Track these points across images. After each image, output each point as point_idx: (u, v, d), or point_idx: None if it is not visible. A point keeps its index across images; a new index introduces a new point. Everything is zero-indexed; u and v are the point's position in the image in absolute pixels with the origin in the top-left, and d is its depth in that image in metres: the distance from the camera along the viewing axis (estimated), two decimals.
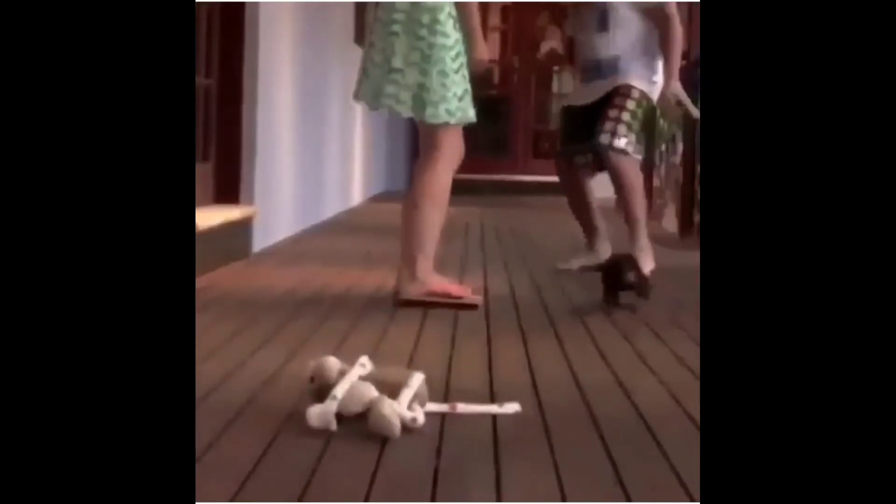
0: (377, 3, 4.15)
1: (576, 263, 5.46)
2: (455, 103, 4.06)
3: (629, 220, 5.37)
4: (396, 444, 2.20)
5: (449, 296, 4.10)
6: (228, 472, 1.98)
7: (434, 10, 4.04)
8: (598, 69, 5.37)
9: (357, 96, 4.23)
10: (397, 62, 4.03)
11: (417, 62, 4.02)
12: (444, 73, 4.03)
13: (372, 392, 2.33)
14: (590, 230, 5.60)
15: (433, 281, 4.13)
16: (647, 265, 5.07)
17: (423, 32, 4.03)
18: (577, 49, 5.59)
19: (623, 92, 5.28)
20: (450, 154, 4.20)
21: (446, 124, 4.09)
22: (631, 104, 5.28)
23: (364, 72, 4.15)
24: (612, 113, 5.25)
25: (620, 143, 5.25)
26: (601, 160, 5.34)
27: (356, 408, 2.31)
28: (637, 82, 5.30)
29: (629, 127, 5.26)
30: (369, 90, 4.12)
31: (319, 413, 2.28)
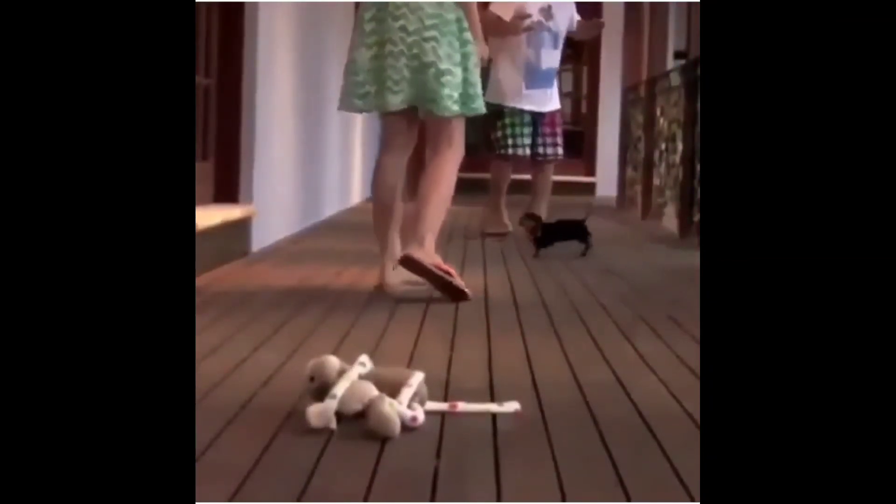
0: (384, 7, 4.22)
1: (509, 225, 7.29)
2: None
3: (545, 197, 7.37)
4: (396, 443, 2.20)
5: (449, 274, 4.23)
6: (228, 472, 1.98)
7: (460, 8, 4.28)
8: (542, 78, 7.15)
9: (382, 106, 4.29)
10: (444, 64, 4.19)
11: (460, 61, 4.23)
12: (476, 66, 4.30)
13: (372, 391, 2.33)
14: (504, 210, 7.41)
15: (437, 259, 4.28)
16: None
17: (459, 31, 4.24)
18: (522, 55, 7.05)
19: (559, 114, 7.37)
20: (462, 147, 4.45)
21: (463, 116, 4.35)
22: (561, 121, 7.43)
23: (390, 78, 4.21)
24: (560, 131, 7.34)
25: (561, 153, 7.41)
26: (544, 164, 7.33)
27: (356, 406, 2.31)
28: (559, 102, 7.37)
29: None
30: (411, 95, 4.22)
31: (319, 412, 2.28)
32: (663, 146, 8.70)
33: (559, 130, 7.32)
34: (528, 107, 7.16)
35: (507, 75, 7.12)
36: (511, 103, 7.15)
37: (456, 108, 4.25)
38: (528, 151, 7.24)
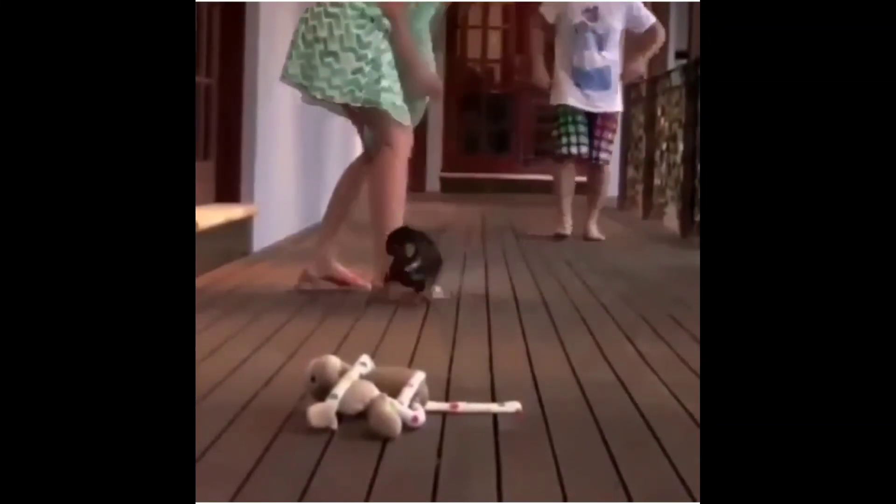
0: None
1: (568, 228, 7.11)
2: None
3: (597, 202, 7.24)
4: (397, 443, 2.20)
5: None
6: (229, 473, 1.98)
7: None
8: (593, 79, 6.99)
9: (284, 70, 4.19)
10: (333, 45, 4.05)
11: (355, 48, 4.07)
12: (388, 67, 4.12)
13: (373, 391, 2.32)
14: (567, 213, 7.17)
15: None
16: (600, 234, 7.16)
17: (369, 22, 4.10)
18: (569, 57, 7.01)
19: (615, 118, 7.23)
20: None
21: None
22: (616, 128, 7.34)
23: (293, 43, 4.13)
24: (611, 136, 7.18)
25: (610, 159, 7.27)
26: (596, 168, 7.21)
27: (357, 406, 2.30)
28: (619, 106, 7.24)
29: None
30: (299, 70, 4.11)
31: (320, 412, 2.28)
32: (664, 146, 8.69)
33: (611, 136, 7.17)
34: (580, 105, 7.01)
35: (560, 76, 7.03)
36: (563, 101, 7.03)
37: (333, 93, 4.06)
38: (584, 150, 7.02)
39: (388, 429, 2.22)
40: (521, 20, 13.61)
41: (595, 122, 7.05)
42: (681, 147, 7.90)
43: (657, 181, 9.01)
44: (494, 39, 14.01)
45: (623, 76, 7.20)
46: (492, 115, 13.76)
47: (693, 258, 5.89)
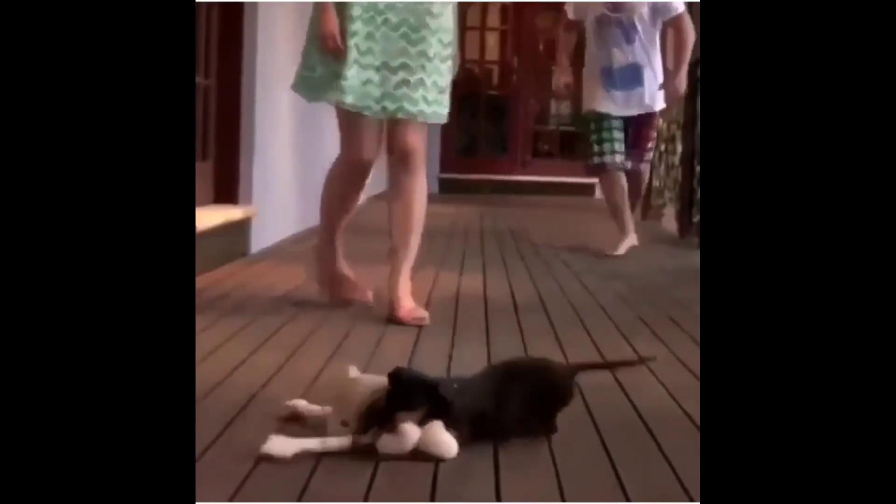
0: None
1: (623, 248, 6.29)
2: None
3: (629, 213, 6.40)
4: None
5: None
6: (228, 472, 1.98)
7: None
8: (622, 77, 6.20)
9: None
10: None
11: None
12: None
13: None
14: (626, 222, 6.38)
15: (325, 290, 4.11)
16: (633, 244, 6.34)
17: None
18: (594, 56, 6.28)
19: (653, 123, 6.42)
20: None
21: None
22: (654, 132, 6.54)
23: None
24: (650, 145, 6.44)
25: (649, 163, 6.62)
26: (634, 173, 6.38)
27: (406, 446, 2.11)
28: (658, 105, 6.30)
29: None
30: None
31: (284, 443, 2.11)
32: (663, 147, 8.70)
33: (651, 139, 6.43)
34: (613, 111, 6.23)
35: (589, 79, 6.31)
36: (593, 106, 6.25)
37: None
38: (620, 160, 6.21)
39: (442, 450, 2.11)
40: (519, 21, 13.64)
41: (632, 126, 6.29)
42: (679, 148, 7.90)
43: (655, 182, 9.02)
44: (492, 40, 14.01)
45: (665, 98, 6.26)
46: (490, 116, 13.76)
47: (691, 259, 5.91)
